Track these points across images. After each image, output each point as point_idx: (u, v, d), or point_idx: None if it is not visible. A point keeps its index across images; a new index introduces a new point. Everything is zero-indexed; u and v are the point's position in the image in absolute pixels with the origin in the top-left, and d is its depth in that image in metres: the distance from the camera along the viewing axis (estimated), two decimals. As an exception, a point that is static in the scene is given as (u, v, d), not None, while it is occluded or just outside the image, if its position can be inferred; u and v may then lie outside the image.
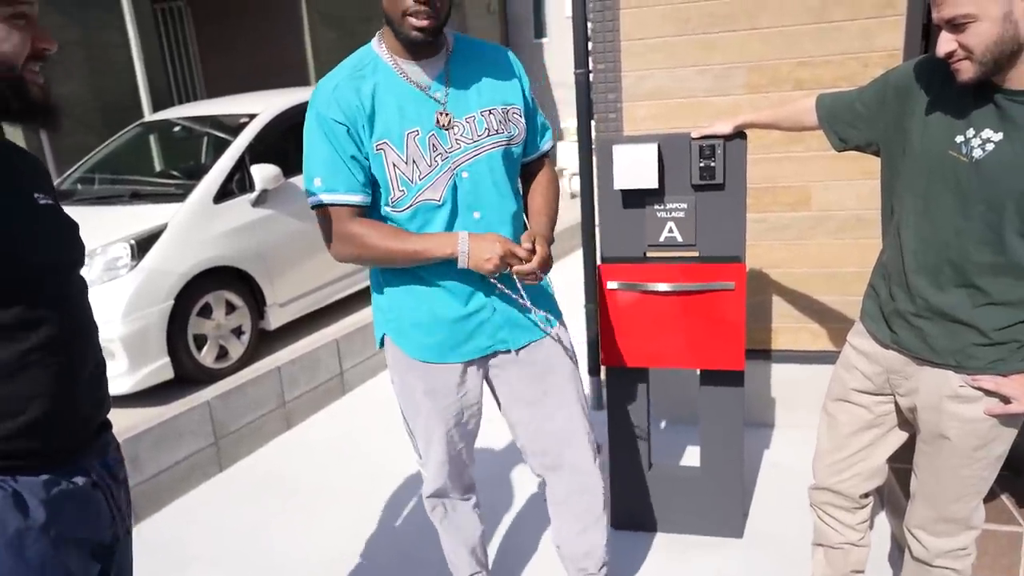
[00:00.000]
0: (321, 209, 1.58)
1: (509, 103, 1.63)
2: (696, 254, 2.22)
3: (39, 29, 1.13)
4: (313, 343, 3.93)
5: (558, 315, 1.80)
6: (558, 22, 13.43)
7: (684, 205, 2.18)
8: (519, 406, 1.77)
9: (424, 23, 1.47)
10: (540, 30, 13.65)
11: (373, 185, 1.58)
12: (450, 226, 1.59)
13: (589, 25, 2.96)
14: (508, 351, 1.71)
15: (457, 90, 1.57)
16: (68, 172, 4.98)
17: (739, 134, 2.08)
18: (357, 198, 1.56)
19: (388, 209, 1.59)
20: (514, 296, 1.65)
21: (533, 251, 1.56)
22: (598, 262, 3.23)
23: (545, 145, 1.78)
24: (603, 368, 3.27)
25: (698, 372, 2.35)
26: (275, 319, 4.40)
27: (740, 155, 2.11)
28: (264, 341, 4.39)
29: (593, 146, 3.07)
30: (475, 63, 1.62)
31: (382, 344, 1.77)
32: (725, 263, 2.13)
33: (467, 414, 1.77)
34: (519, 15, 13.46)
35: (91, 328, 1.21)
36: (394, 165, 1.54)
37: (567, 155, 8.24)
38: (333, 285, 4.77)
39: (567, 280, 5.13)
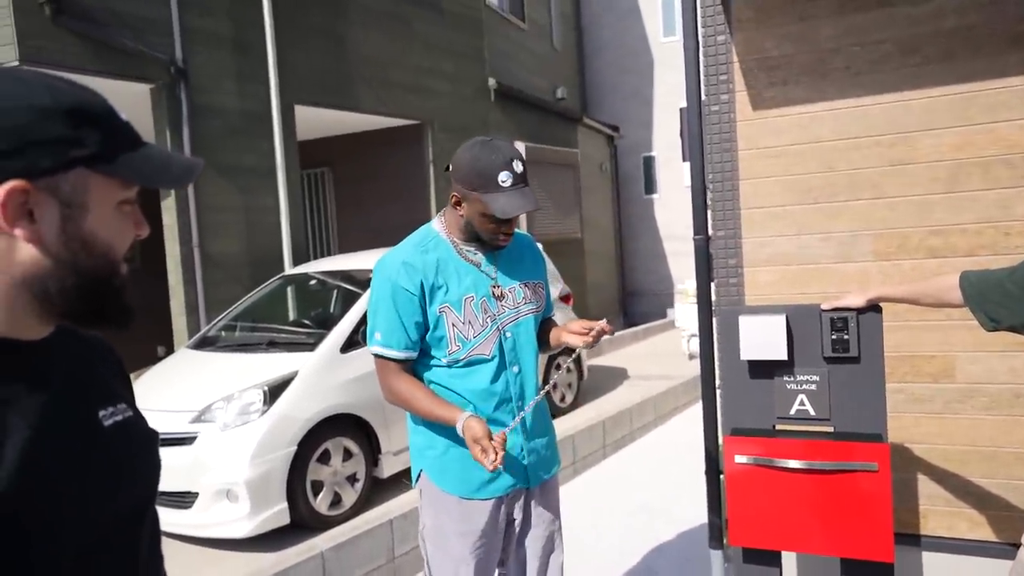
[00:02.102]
0: (378, 358, 1.89)
1: (537, 280, 2.05)
2: (831, 430, 2.09)
3: (138, 213, 0.88)
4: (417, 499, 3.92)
5: (558, 460, 2.09)
6: (667, 181, 13.90)
7: (816, 378, 2.09)
8: (516, 541, 2.01)
9: (506, 243, 1.93)
10: (650, 187, 14.13)
11: (428, 346, 1.88)
12: (496, 376, 1.89)
13: (708, 194, 3.05)
14: (524, 489, 1.97)
15: (502, 268, 1.96)
16: (213, 321, 5.46)
17: (874, 307, 2.02)
18: (405, 354, 1.86)
19: (444, 361, 1.88)
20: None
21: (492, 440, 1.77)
22: (719, 430, 3.12)
23: (552, 311, 2.19)
24: (730, 547, 3.04)
25: (839, 560, 2.14)
26: (388, 467, 4.45)
27: (875, 328, 2.03)
28: (376, 489, 4.43)
29: (714, 311, 3.06)
30: (513, 247, 2.01)
31: (416, 481, 1.98)
32: (865, 441, 1.99)
33: (491, 552, 1.95)
34: (629, 174, 14.07)
35: None
36: (453, 325, 1.86)
37: (685, 316, 8.14)
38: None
39: (686, 439, 4.95)
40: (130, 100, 5.82)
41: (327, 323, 4.78)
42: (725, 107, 3.03)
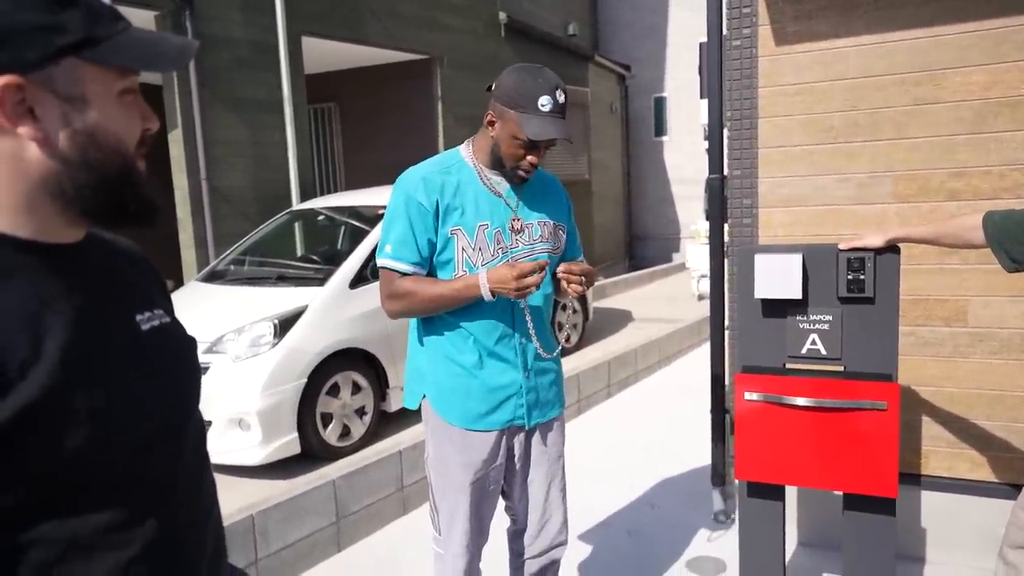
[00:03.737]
0: (384, 270, 1.87)
1: (559, 221, 2.00)
2: (842, 368, 2.11)
3: (144, 105, 0.85)
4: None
5: (562, 403, 2.10)
6: (678, 122, 13.65)
7: (829, 317, 2.09)
8: (519, 477, 2.05)
9: (528, 175, 1.89)
10: (660, 129, 13.90)
11: (437, 266, 1.87)
12: (500, 309, 1.88)
13: (726, 132, 2.99)
14: (523, 427, 1.98)
15: (525, 202, 1.94)
16: (222, 255, 5.46)
17: (891, 247, 2.01)
18: (414, 269, 1.84)
19: None
20: (541, 352, 1.96)
21: (540, 268, 1.81)
22: (727, 369, 3.15)
23: (579, 256, 2.14)
24: (736, 482, 3.11)
25: (841, 495, 2.19)
26: (396, 401, 4.52)
27: (892, 269, 2.02)
28: (383, 422, 4.51)
29: (726, 251, 3.04)
30: (538, 185, 1.99)
31: (415, 407, 2.00)
32: (876, 381, 2.01)
33: (493, 484, 1.99)
34: (639, 115, 13.82)
35: (210, 506, 0.95)
36: (463, 249, 1.85)
37: (696, 256, 8.13)
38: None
39: (691, 380, 5.01)
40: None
41: (335, 259, 4.79)
42: (747, 42, 2.94)
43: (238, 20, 6.22)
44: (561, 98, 1.83)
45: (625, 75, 12.98)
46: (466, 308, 1.86)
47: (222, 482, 3.83)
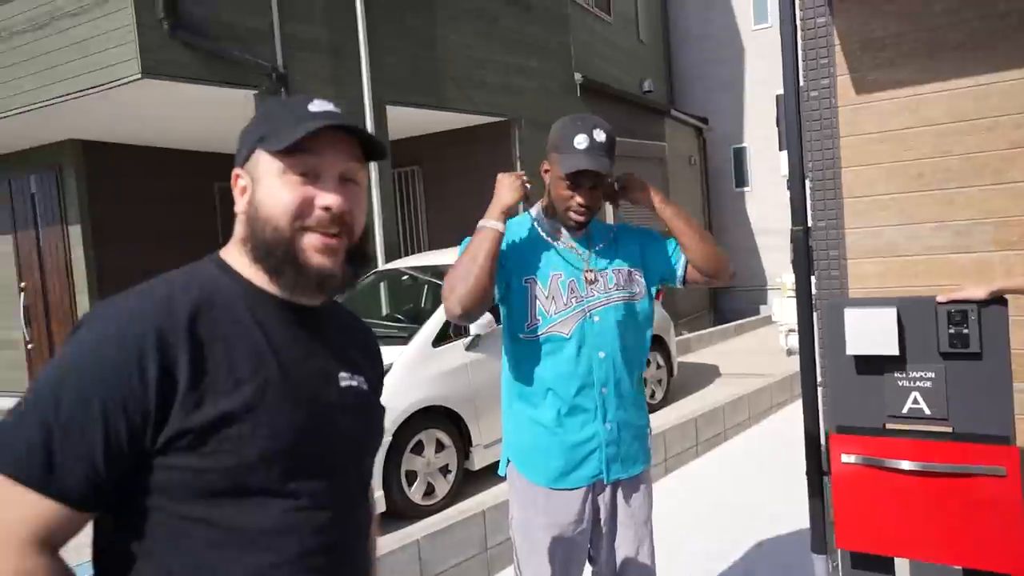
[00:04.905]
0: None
1: (633, 266, 1.99)
2: (949, 430, 1.97)
3: (327, 187, 1.01)
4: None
5: (648, 459, 2.03)
6: (760, 173, 13.43)
7: (931, 374, 1.97)
8: (606, 540, 1.98)
9: (581, 218, 1.91)
10: (741, 180, 13.70)
11: (510, 312, 1.90)
12: (577, 359, 1.87)
13: (807, 183, 2.93)
14: (604, 482, 1.93)
15: (596, 253, 1.96)
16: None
17: (997, 299, 1.89)
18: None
19: (522, 336, 1.89)
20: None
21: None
22: (821, 428, 2.99)
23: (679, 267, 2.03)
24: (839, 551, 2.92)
25: (961, 570, 2.01)
26: (479, 459, 4.52)
27: (999, 322, 1.90)
28: (467, 481, 4.50)
29: (815, 304, 2.94)
30: (609, 235, 2.02)
31: (503, 468, 2.01)
32: (990, 444, 1.87)
33: (578, 549, 1.94)
34: (719, 167, 13.69)
35: (363, 551, 1.09)
36: (536, 298, 1.88)
37: (783, 310, 7.82)
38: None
39: (784, 439, 4.78)
40: (236, 105, 6.14)
41: (419, 317, 4.90)
42: (825, 92, 2.90)
43: (329, 94, 6.62)
44: (600, 136, 1.86)
45: (702, 127, 12.93)
46: (544, 355, 1.87)
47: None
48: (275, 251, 1.00)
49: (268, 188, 1.00)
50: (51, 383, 0.90)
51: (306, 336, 1.05)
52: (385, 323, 5.25)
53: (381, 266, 6.53)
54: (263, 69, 5.98)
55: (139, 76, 5.15)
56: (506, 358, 1.98)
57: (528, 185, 1.95)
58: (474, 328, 4.54)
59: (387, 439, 4.01)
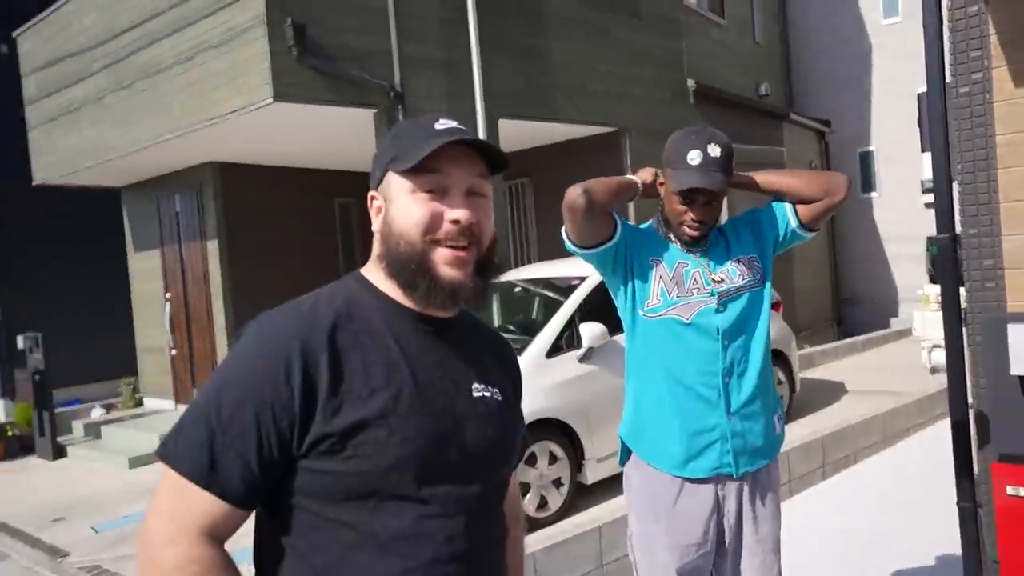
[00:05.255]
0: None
1: (749, 253, 1.98)
2: None
3: (453, 202, 1.06)
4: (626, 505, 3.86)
5: (774, 454, 1.96)
6: (889, 177, 12.59)
7: (1115, 398, 1.75)
8: (730, 563, 1.90)
9: (695, 234, 1.90)
10: (868, 185, 12.90)
11: (631, 291, 1.93)
12: (697, 345, 1.86)
13: (955, 187, 2.70)
14: (730, 476, 1.86)
15: (713, 257, 1.95)
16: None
17: None
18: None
19: (642, 312, 1.91)
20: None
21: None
22: (974, 455, 2.73)
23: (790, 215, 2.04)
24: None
25: None
26: (592, 473, 4.46)
27: None
28: (580, 495, 4.45)
29: (965, 319, 2.69)
30: (722, 234, 2.00)
31: (622, 464, 2.00)
32: None
33: (701, 565, 1.87)
34: (842, 171, 12.92)
35: (497, 563, 1.12)
36: (660, 278, 1.91)
37: (925, 324, 7.12)
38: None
39: (923, 464, 4.41)
40: (357, 124, 6.42)
41: (530, 329, 4.91)
42: (978, 87, 2.66)
43: (443, 109, 6.81)
44: (715, 152, 1.85)
45: (824, 131, 12.29)
46: (668, 338, 1.88)
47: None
48: (408, 265, 1.05)
49: (400, 206, 1.06)
50: (214, 389, 1.00)
51: (440, 347, 1.09)
52: (498, 334, 5.28)
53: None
54: (382, 89, 6.23)
55: (271, 101, 5.50)
56: (627, 336, 2.00)
57: (660, 180, 1.98)
58: (587, 340, 4.49)
59: (501, 449, 4.02)
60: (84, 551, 4.51)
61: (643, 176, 2.02)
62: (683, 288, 1.89)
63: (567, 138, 8.56)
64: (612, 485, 4.52)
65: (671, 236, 1.97)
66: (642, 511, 1.91)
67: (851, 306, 12.78)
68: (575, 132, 8.29)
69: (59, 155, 7.88)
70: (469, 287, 1.07)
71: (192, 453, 0.97)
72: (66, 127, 7.64)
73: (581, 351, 4.53)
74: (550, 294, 5.32)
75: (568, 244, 2.00)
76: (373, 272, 1.11)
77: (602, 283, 4.84)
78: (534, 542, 3.15)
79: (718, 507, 1.88)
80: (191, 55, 6.06)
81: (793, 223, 1.99)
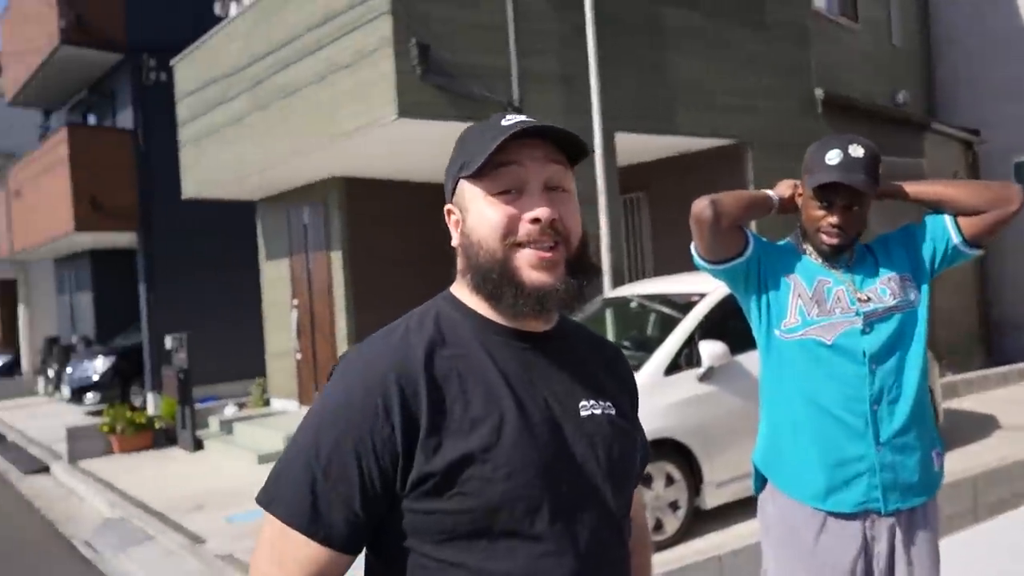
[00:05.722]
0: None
1: (902, 272, 1.82)
2: None
3: (530, 200, 0.97)
4: (754, 536, 3.65)
5: (932, 491, 1.78)
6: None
7: None
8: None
9: (834, 241, 1.76)
10: None
11: (766, 310, 1.82)
12: (841, 370, 1.71)
13: None
14: (879, 513, 1.70)
15: (859, 273, 1.81)
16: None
17: None
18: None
19: (777, 332, 1.80)
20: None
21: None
22: None
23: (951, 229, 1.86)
24: None
25: None
26: (711, 498, 4.27)
27: None
28: (698, 520, 4.26)
29: None
30: (872, 251, 1.86)
31: (759, 487, 1.87)
32: None
33: None
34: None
35: None
36: (798, 296, 1.79)
37: None
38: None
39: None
40: (475, 140, 6.54)
41: (646, 345, 4.78)
42: None
43: (559, 123, 6.79)
44: (856, 152, 1.72)
45: (972, 140, 11.31)
46: (801, 364, 1.76)
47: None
48: (491, 274, 0.97)
49: (475, 213, 0.99)
50: (311, 430, 0.95)
51: (541, 364, 1.00)
52: (613, 350, 5.19)
53: (607, 293, 6.52)
54: (500, 104, 6.32)
55: (396, 117, 5.70)
56: (761, 357, 1.89)
57: (799, 192, 1.87)
58: (708, 359, 4.32)
59: (616, 468, 3.92)
60: (219, 540, 4.80)
61: (780, 190, 1.91)
62: (824, 307, 1.77)
63: (685, 152, 8.35)
64: (732, 511, 4.30)
65: (810, 251, 1.86)
66: (780, 546, 1.77)
67: (1005, 332, 11.62)
68: (694, 145, 8.07)
69: (204, 172, 8.55)
70: (560, 290, 0.96)
71: (293, 499, 0.92)
72: (211, 146, 8.28)
73: (701, 370, 4.35)
74: (667, 310, 5.16)
75: (696, 259, 1.91)
76: (461, 289, 1.04)
77: (724, 300, 4.71)
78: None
79: (866, 548, 1.72)
80: (322, 76, 6.40)
81: (955, 239, 1.81)
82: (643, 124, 7.23)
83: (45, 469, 7.68)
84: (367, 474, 0.91)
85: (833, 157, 1.73)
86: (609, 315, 6.04)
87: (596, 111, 6.72)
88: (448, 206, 1.05)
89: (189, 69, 8.67)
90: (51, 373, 13.34)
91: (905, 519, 1.72)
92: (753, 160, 8.00)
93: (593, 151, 6.77)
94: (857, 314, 1.74)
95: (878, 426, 1.70)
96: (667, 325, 4.86)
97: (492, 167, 0.96)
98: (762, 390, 1.91)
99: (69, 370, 11.51)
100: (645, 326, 5.57)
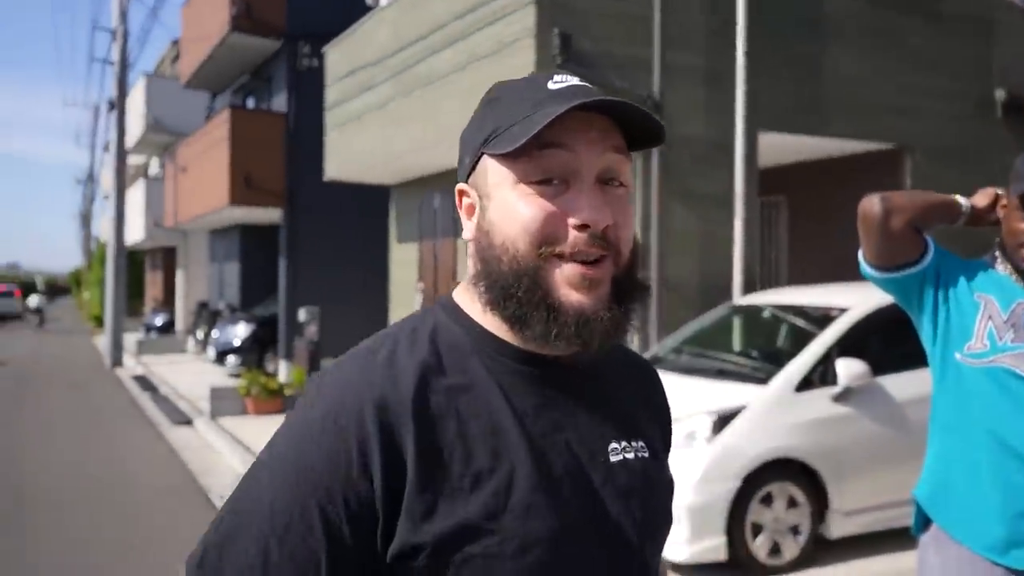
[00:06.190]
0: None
1: None
2: None
3: (581, 197, 0.73)
4: (883, 575, 3.35)
5: None
6: None
7: None
8: None
9: None
10: None
11: (944, 329, 1.63)
12: None
13: None
14: None
15: None
16: (662, 342, 5.64)
17: None
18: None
19: (959, 356, 1.61)
20: None
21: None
22: None
23: None
24: None
25: None
26: (837, 527, 3.97)
27: None
28: (820, 549, 3.98)
29: None
30: None
31: (919, 529, 1.68)
32: None
33: None
34: None
35: None
36: (990, 318, 1.60)
37: None
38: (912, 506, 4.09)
39: None
40: (609, 134, 6.43)
41: (776, 358, 4.51)
42: None
43: (700, 119, 6.57)
44: None
45: None
46: (984, 394, 1.56)
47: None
48: (515, 290, 0.73)
49: (502, 205, 0.74)
50: (266, 479, 0.73)
51: (560, 398, 0.77)
52: (740, 360, 4.95)
53: (737, 298, 6.23)
54: (640, 97, 6.17)
55: (534, 107, 5.70)
56: (935, 382, 1.69)
57: (1002, 203, 1.64)
58: (845, 378, 4.00)
59: (737, 484, 3.72)
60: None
61: (977, 199, 1.70)
62: (1021, 333, 1.57)
63: (834, 155, 7.82)
64: (858, 544, 3.98)
65: (1010, 270, 1.65)
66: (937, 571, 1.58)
67: None
68: (845, 148, 7.54)
69: (346, 155, 8.97)
70: (605, 318, 0.73)
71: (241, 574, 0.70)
72: (354, 130, 8.67)
73: (837, 389, 4.04)
74: (803, 323, 4.84)
75: (863, 266, 1.73)
76: (467, 297, 0.80)
77: (868, 317, 4.35)
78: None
79: None
80: (463, 66, 6.51)
81: None
82: (789, 123, 6.83)
83: (189, 422, 8.39)
84: (338, 541, 0.69)
85: None
86: (737, 323, 5.77)
87: (740, 108, 6.41)
88: (462, 186, 0.80)
89: (339, 56, 9.11)
90: (200, 335, 14.58)
91: None
92: (912, 167, 7.35)
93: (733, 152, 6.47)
94: None
95: None
96: (801, 338, 4.56)
97: (536, 147, 0.72)
98: (933, 417, 1.70)
99: (215, 334, 12.50)
100: (776, 337, 5.26)
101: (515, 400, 0.75)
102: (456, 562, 0.69)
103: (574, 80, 0.77)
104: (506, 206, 0.74)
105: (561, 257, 0.73)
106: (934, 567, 1.61)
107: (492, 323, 0.77)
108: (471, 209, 0.79)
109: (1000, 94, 7.59)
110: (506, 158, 0.74)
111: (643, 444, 0.82)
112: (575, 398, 0.78)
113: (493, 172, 0.76)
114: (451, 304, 0.82)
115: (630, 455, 0.80)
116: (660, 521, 0.83)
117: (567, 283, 0.72)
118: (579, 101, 0.71)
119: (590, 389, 0.80)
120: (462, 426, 0.72)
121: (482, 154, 0.77)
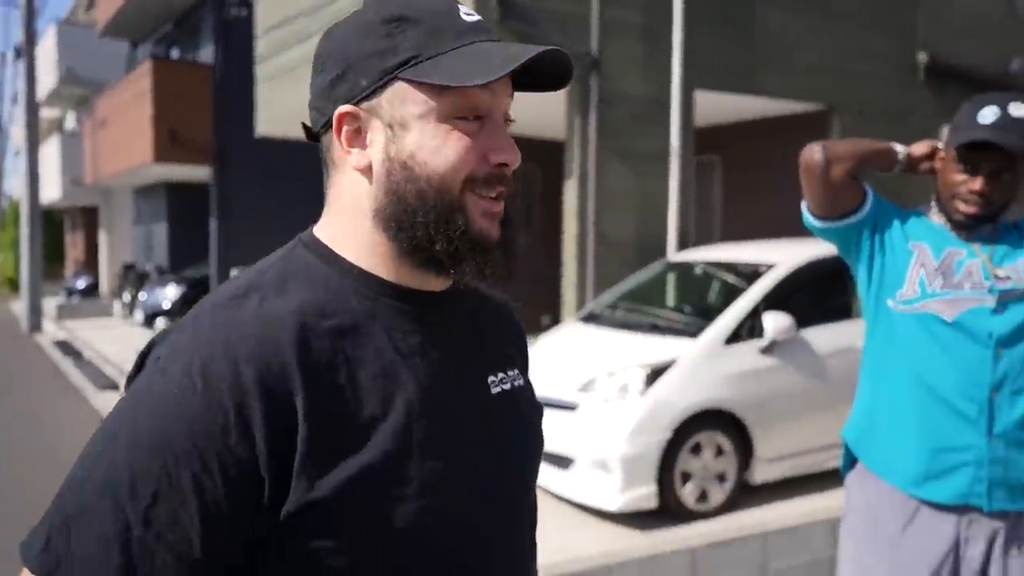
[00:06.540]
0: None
1: None
2: None
3: (496, 136, 0.74)
4: (803, 517, 3.54)
5: None
6: None
7: None
8: None
9: (972, 209, 1.57)
10: None
11: (879, 276, 1.67)
12: (960, 350, 1.55)
13: None
14: (980, 511, 1.54)
15: (1000, 250, 1.62)
16: (598, 298, 5.71)
17: None
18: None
19: (890, 302, 1.64)
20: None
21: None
22: None
23: None
24: None
25: None
26: (760, 473, 4.15)
27: None
28: (744, 495, 4.16)
29: None
30: (1013, 228, 1.66)
31: (846, 468, 1.75)
32: None
33: None
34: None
35: None
36: (921, 265, 1.62)
37: None
38: (831, 451, 4.31)
39: None
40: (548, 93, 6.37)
41: (707, 312, 4.62)
42: None
43: (637, 77, 6.57)
44: (1018, 111, 1.50)
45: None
46: (914, 340, 1.59)
47: (576, 520, 3.91)
48: (428, 215, 0.72)
49: (428, 137, 0.71)
50: (119, 451, 0.64)
51: (439, 333, 0.76)
52: (672, 315, 5.06)
53: (671, 256, 6.35)
54: (578, 54, 6.12)
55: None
56: (868, 329, 1.73)
57: (940, 155, 1.67)
58: (771, 331, 4.14)
59: (667, 435, 3.84)
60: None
61: (915, 148, 1.72)
62: (950, 280, 1.59)
63: (766, 115, 7.97)
64: (780, 489, 4.18)
65: (943, 220, 1.67)
66: (861, 536, 1.64)
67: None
68: (776, 109, 7.69)
69: (280, 110, 8.64)
70: (500, 251, 0.75)
71: (93, 560, 0.61)
72: (286, 85, 8.35)
73: (764, 342, 4.19)
74: (733, 278, 4.97)
75: (806, 216, 1.76)
76: (332, 233, 0.77)
77: (795, 272, 4.50)
78: (694, 536, 2.97)
79: (957, 548, 1.55)
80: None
81: None
82: (724, 82, 6.91)
83: (116, 387, 8.11)
84: (213, 513, 0.63)
85: (988, 115, 1.53)
86: (671, 279, 5.88)
87: (676, 67, 6.44)
88: (347, 108, 0.73)
89: (270, 5, 8.71)
90: (127, 297, 14.04)
91: (1010, 524, 1.54)
92: (841, 128, 7.57)
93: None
94: (990, 291, 1.56)
95: (993, 416, 1.53)
96: (731, 293, 4.69)
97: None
98: (864, 363, 1.75)
99: (143, 296, 12.06)
100: (708, 293, 5.40)
101: (399, 340, 0.74)
102: (355, 511, 0.67)
103: (476, 16, 0.76)
104: (434, 140, 0.72)
105: (474, 191, 0.73)
106: (858, 502, 1.68)
107: (368, 261, 0.75)
108: (357, 135, 0.74)
109: (922, 58, 7.85)
110: (433, 89, 0.71)
111: (517, 372, 0.85)
112: (452, 334, 0.78)
113: (414, 101, 0.72)
114: (313, 240, 0.78)
115: (507, 385, 0.82)
116: (540, 442, 0.86)
117: (482, 215, 0.73)
118: (537, 52, 0.71)
119: (463, 325, 0.81)
120: (351, 371, 0.69)
121: (395, 77, 0.72)
